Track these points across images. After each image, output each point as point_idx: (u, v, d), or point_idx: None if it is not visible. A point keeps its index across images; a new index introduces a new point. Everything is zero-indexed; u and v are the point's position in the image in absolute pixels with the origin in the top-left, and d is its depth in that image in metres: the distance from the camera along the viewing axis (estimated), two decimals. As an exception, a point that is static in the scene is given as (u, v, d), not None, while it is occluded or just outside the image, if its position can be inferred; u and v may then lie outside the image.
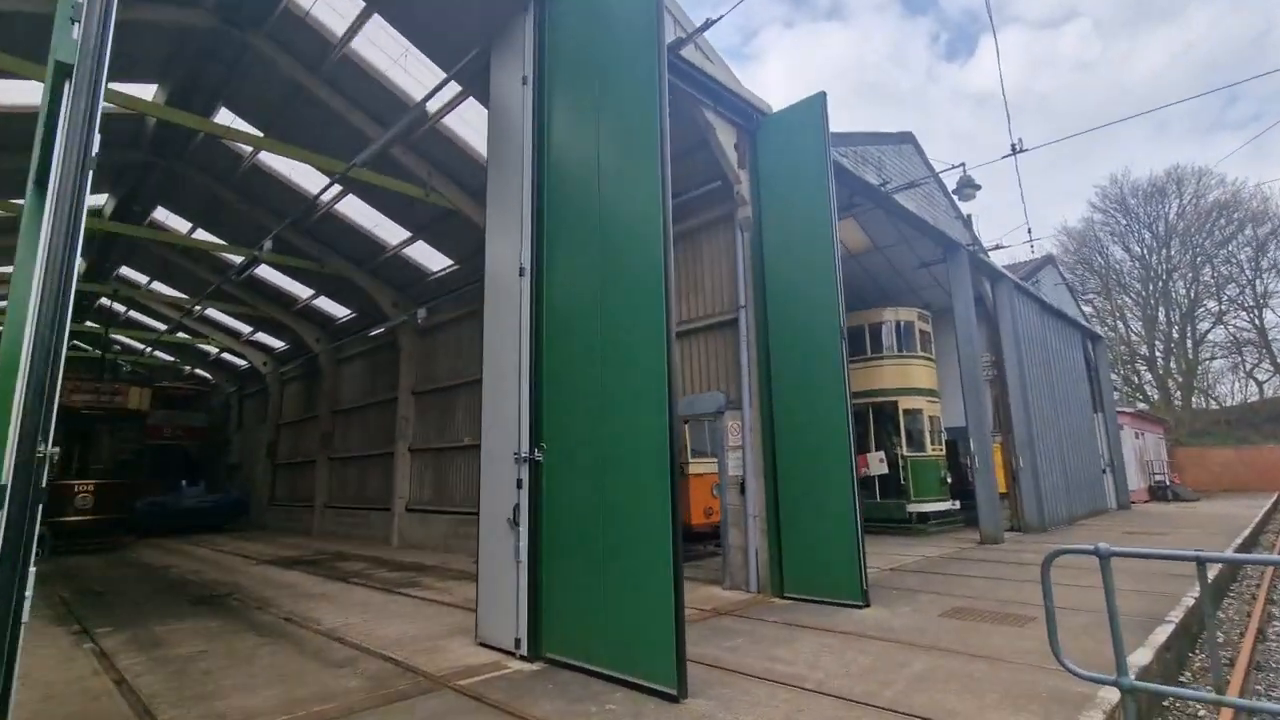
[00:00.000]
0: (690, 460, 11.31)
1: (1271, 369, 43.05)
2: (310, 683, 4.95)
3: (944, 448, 15.90)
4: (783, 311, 8.46)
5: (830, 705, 4.21)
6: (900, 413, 15.32)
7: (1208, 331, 44.39)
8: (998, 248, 15.62)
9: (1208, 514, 20.50)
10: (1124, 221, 47.00)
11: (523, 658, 5.34)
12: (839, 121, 10.12)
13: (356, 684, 4.90)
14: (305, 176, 13.65)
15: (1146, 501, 26.47)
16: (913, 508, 14.75)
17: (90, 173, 2.91)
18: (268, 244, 13.46)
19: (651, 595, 4.56)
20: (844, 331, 7.83)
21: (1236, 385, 44.76)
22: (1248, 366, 44.12)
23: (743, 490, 8.41)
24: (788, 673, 4.86)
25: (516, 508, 5.63)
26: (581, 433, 5.35)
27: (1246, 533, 14.61)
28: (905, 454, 15.09)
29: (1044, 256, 20.81)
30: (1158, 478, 29.38)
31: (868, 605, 7.10)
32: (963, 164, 12.73)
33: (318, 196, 13.34)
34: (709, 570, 9.90)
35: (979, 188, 12.47)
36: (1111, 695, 4.23)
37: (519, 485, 5.65)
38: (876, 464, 15.28)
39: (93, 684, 5.08)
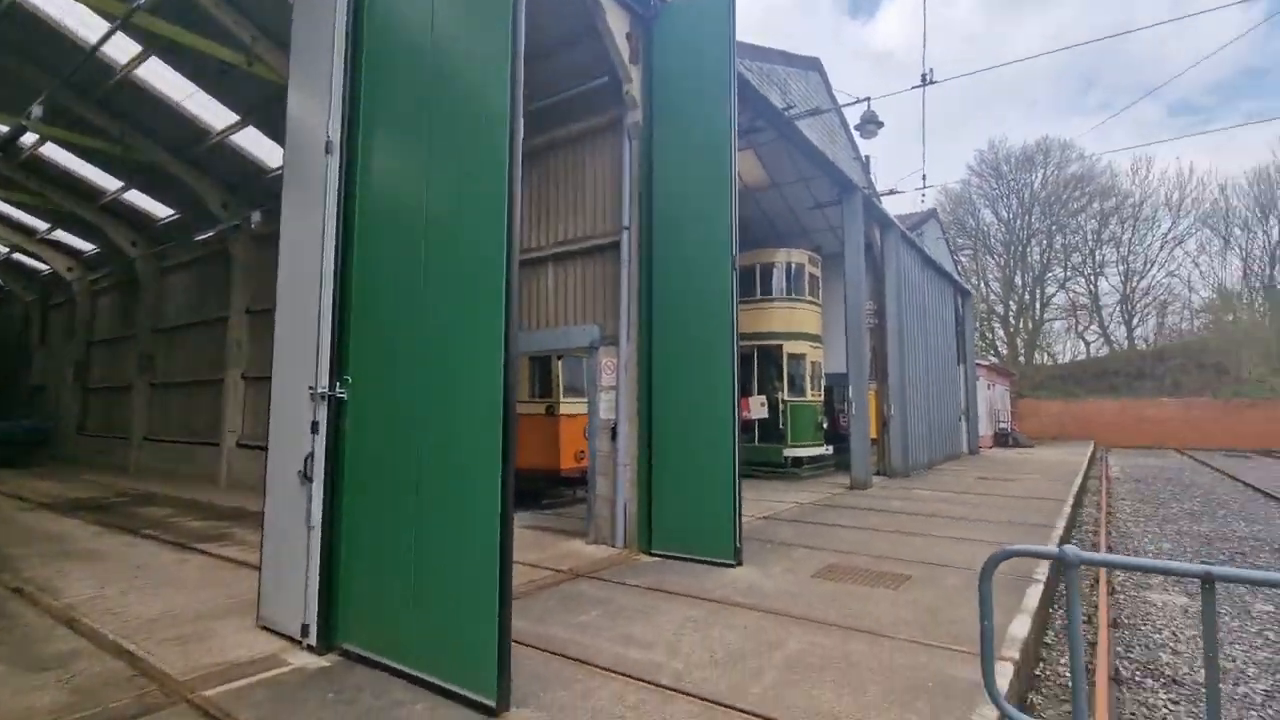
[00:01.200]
0: (564, 400, 10.27)
1: (1098, 331, 48.34)
2: (-17, 698, 3.52)
3: (823, 393, 15.93)
4: (671, 237, 7.41)
5: (687, 710, 3.40)
6: (785, 357, 15.05)
7: (1053, 295, 48.86)
8: (891, 193, 15.39)
9: (1043, 459, 22.50)
10: (996, 186, 50.05)
11: (310, 649, 4.15)
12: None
13: (51, 699, 3.52)
14: (86, 24, 10.67)
15: (991, 447, 28.86)
16: (789, 452, 14.70)
17: None
18: (37, 109, 10.52)
19: (472, 577, 3.49)
20: (736, 263, 6.93)
21: (1069, 345, 49.96)
22: (1080, 328, 49.26)
23: (614, 436, 7.49)
24: (643, 662, 4.03)
25: (310, 458, 4.31)
26: (397, 366, 4.08)
27: (1080, 478, 15.90)
28: (786, 399, 14.91)
29: (928, 210, 21.20)
30: (1002, 426, 32.15)
31: (740, 564, 6.50)
32: (868, 98, 12.08)
33: (97, 47, 10.46)
34: (573, 521, 9.05)
35: (882, 124, 11.90)
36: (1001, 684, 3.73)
37: (314, 429, 4.32)
38: (758, 408, 15.03)
39: None
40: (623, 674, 3.84)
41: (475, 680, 3.37)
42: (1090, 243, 47.26)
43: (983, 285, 49.04)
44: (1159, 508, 13.46)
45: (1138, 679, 4.88)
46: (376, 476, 4.09)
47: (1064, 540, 8.66)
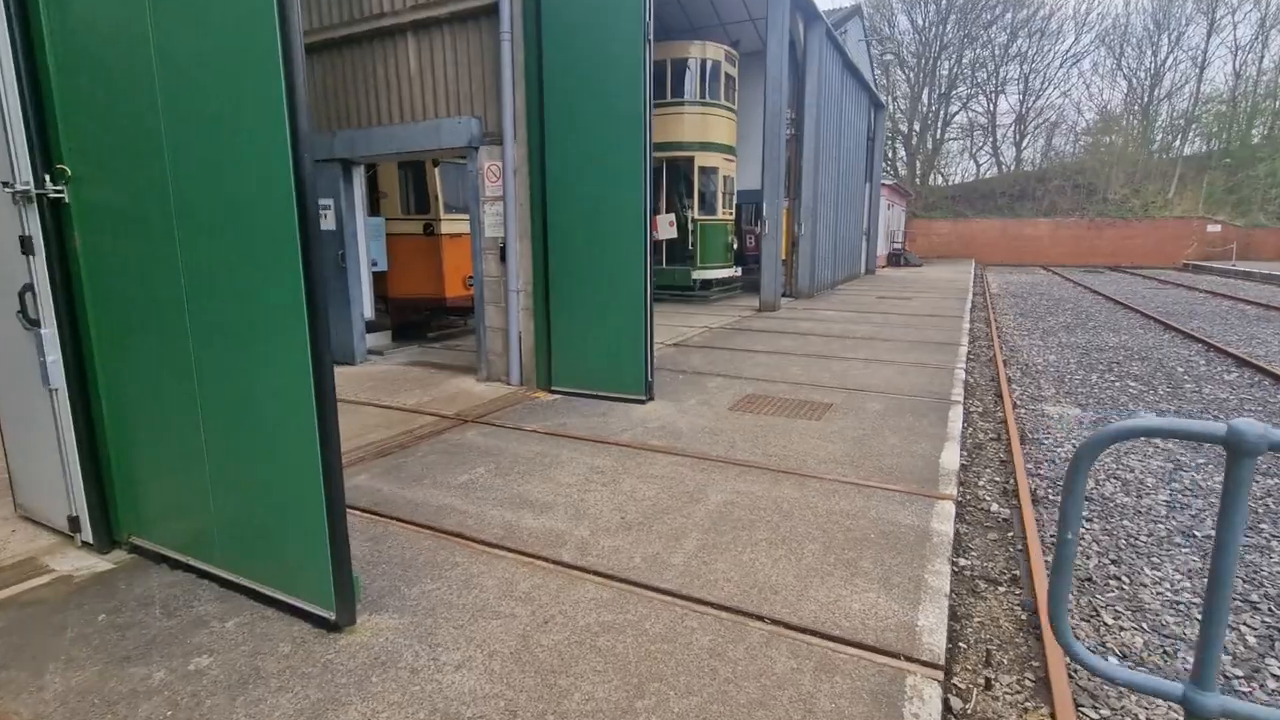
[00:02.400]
0: (444, 217, 8.72)
1: (990, 153, 49.46)
2: None
3: (734, 211, 15.01)
4: (564, 1, 5.67)
5: (594, 598, 2.72)
6: (696, 171, 13.76)
7: (955, 114, 48.74)
8: (821, -25, 13.39)
9: (933, 278, 23.40)
10: (914, -9, 46.99)
11: (86, 545, 3.09)
12: None
13: None
14: None
15: (884, 266, 29.81)
16: (699, 275, 14.02)
17: None
18: None
19: (283, 446, 2.45)
20: (650, 36, 5.41)
21: (963, 166, 51.12)
22: (974, 149, 50.16)
23: (503, 257, 6.28)
24: (540, 531, 3.30)
25: (29, 292, 2.91)
26: (140, 147, 2.60)
27: (970, 295, 16.49)
28: (697, 217, 13.89)
29: (853, 6, 19.21)
30: (896, 246, 33.11)
31: (651, 399, 5.84)
32: None
33: None
34: (465, 355, 8.05)
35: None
36: (945, 527, 3.31)
37: (26, 248, 2.86)
38: (666, 227, 13.97)
39: None
40: (514, 550, 3.09)
41: (305, 584, 2.48)
42: (997, 59, 46.52)
43: (891, 102, 47.93)
44: (1038, 321, 14.18)
45: (1052, 498, 4.82)
46: (136, 314, 2.79)
47: (970, 355, 8.72)
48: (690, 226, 13.88)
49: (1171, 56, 43.69)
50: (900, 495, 3.73)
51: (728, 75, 13.98)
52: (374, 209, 8.84)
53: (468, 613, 2.58)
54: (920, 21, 47.05)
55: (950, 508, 3.56)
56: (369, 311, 7.79)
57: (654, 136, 13.24)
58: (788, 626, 2.48)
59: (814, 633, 2.44)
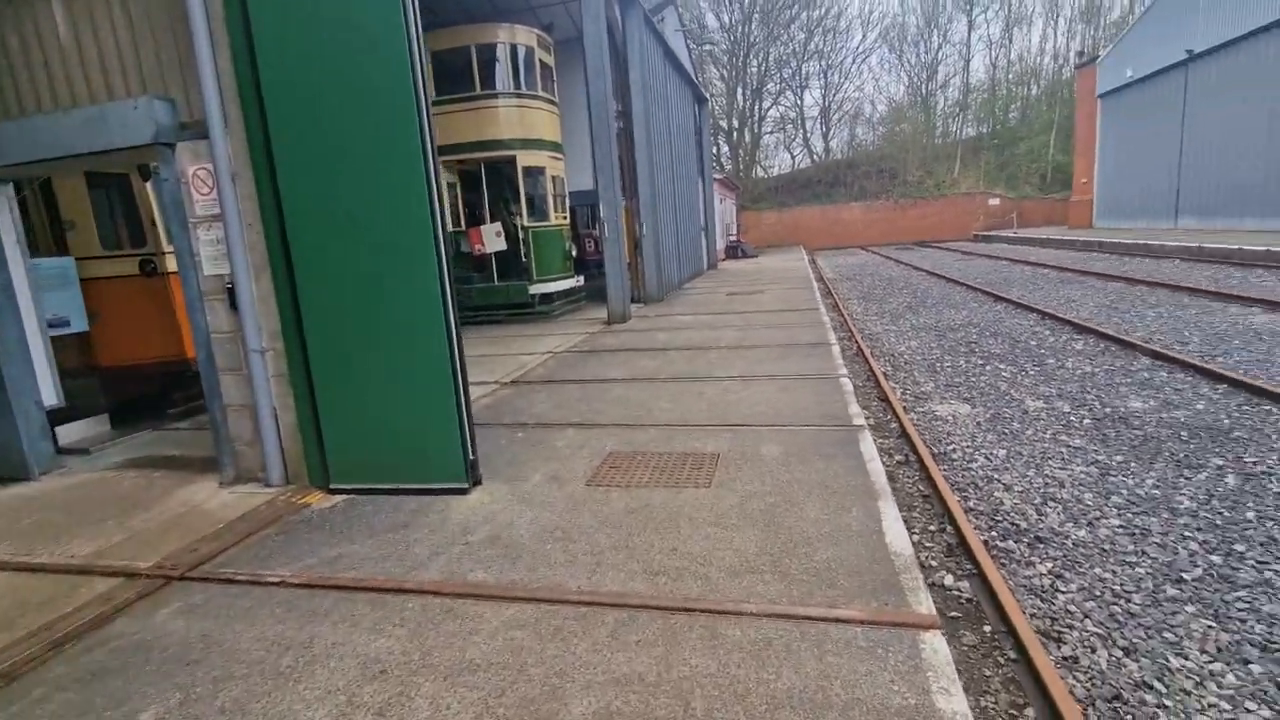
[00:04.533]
0: (170, 249, 6.33)
1: (802, 144, 52.60)
2: None
3: (569, 215, 13.54)
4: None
5: None
6: (520, 172, 12.09)
7: (768, 109, 51.17)
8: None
9: (773, 267, 23.62)
10: (719, -11, 48.52)
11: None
12: None
13: None
14: None
15: (725, 259, 30.02)
16: (537, 289, 12.38)
17: None
18: None
19: None
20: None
21: (780, 158, 53.87)
22: (788, 141, 53.08)
23: (234, 303, 4.26)
24: None
25: None
26: None
27: (815, 283, 16.40)
28: (527, 224, 12.23)
29: (667, -6, 18.51)
30: (732, 238, 33.62)
31: (477, 483, 4.16)
32: None
33: None
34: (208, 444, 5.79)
35: None
36: None
37: None
38: (493, 239, 12.19)
39: None
40: None
41: None
42: (799, 56, 49.43)
43: (711, 98, 49.16)
44: (881, 304, 14.23)
45: (1021, 553, 3.84)
46: None
47: (844, 354, 7.93)
48: (521, 236, 12.20)
49: (941, 51, 49.01)
50: (862, 632, 2.42)
51: (544, 64, 12.45)
52: (57, 245, 6.24)
53: None
54: (727, 20, 48.77)
55: (941, 646, 2.30)
56: (49, 394, 5.29)
57: (464, 133, 11.41)
58: None
59: None
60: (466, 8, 12.70)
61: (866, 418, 5.91)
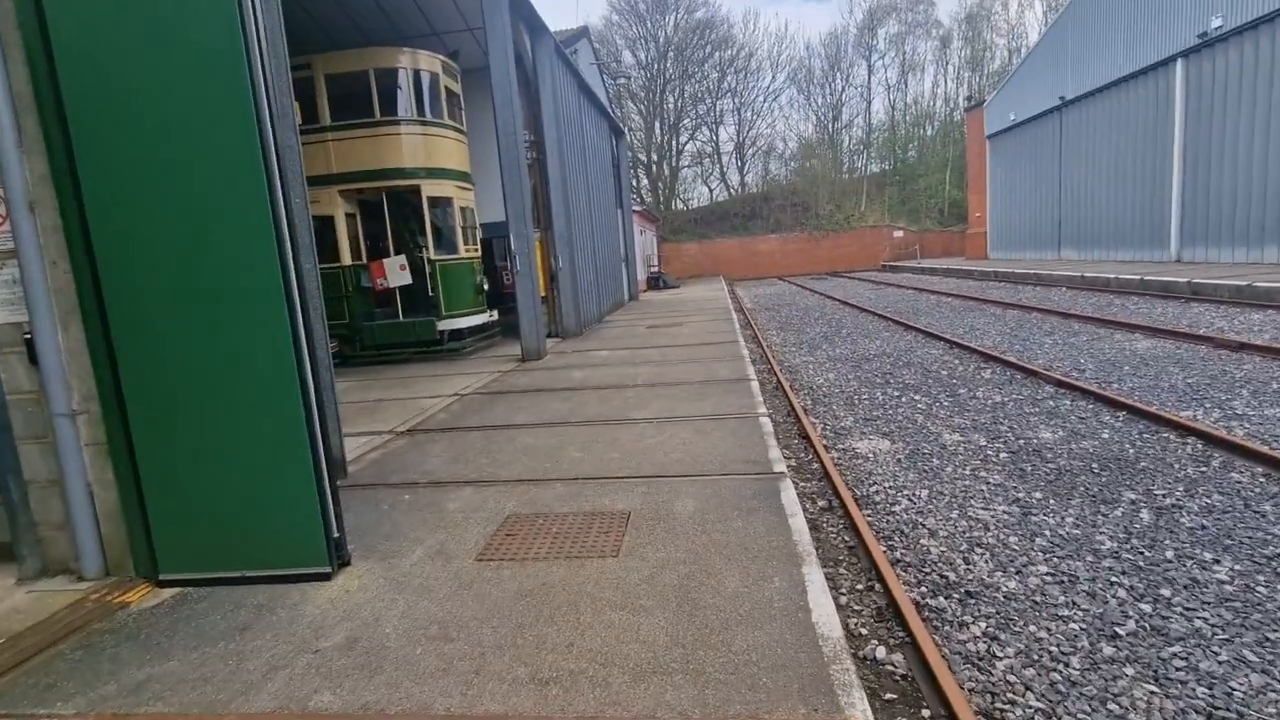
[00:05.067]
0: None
1: (719, 178, 54.09)
2: None
3: (479, 247, 12.95)
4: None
5: None
6: (425, 202, 11.44)
7: (685, 143, 52.39)
8: (539, -17, 12.07)
9: (694, 298, 23.71)
10: (636, 29, 49.69)
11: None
12: None
13: None
14: None
15: (646, 290, 30.01)
16: (446, 325, 11.66)
17: None
18: None
19: None
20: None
21: (698, 190, 55.13)
22: (705, 175, 54.45)
23: (33, 357, 3.48)
24: None
25: None
26: None
27: (734, 314, 16.42)
28: (434, 257, 11.55)
29: (580, 28, 18.51)
30: (653, 269, 33.76)
31: (345, 565, 3.52)
32: None
33: None
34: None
35: None
36: None
37: None
38: (397, 272, 11.43)
39: None
40: None
41: None
42: (713, 93, 51.09)
43: (629, 132, 49.87)
44: (799, 334, 14.35)
45: (915, 569, 3.56)
46: None
47: (764, 388, 7.68)
48: (427, 269, 11.50)
49: (845, 93, 51.91)
50: (788, 750, 2.00)
51: (449, 90, 11.95)
52: None
53: None
54: (644, 57, 49.88)
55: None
56: None
57: (364, 161, 10.70)
58: None
59: None
60: (365, 31, 12.08)
61: (788, 458, 5.65)
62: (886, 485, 5.16)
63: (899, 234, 41.83)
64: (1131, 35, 21.56)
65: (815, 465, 5.68)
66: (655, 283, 32.16)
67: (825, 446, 6.17)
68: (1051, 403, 7.02)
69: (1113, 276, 17.43)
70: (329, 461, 3.42)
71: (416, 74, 11.29)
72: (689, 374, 8.53)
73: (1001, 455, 5.57)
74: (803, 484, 5.21)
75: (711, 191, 54.10)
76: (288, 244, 3.18)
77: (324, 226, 11.32)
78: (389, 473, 5.17)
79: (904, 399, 7.74)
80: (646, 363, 9.73)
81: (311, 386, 3.29)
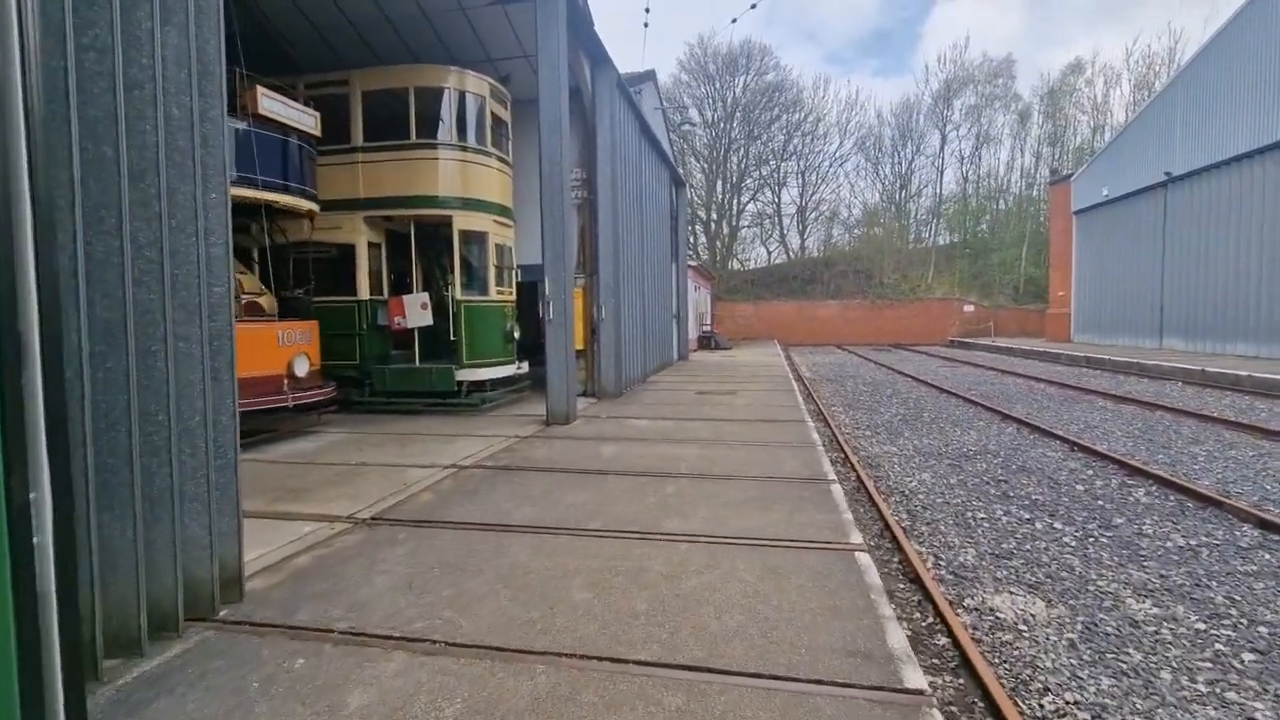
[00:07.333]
0: None
1: (778, 240, 52.78)
2: None
3: (515, 291, 11.57)
4: None
5: None
6: (456, 236, 10.19)
7: (746, 203, 51.52)
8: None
9: (748, 362, 21.89)
10: (704, 89, 49.80)
11: None
12: None
13: None
14: None
15: (697, 350, 28.36)
16: (466, 375, 10.20)
17: None
18: None
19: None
20: None
21: (755, 252, 53.87)
22: (765, 236, 53.24)
23: None
24: None
25: None
26: None
27: (795, 384, 14.53)
28: (460, 297, 10.20)
29: (647, 71, 17.61)
30: (705, 328, 32.19)
31: None
32: None
33: None
34: None
35: None
36: None
37: None
38: (418, 312, 10.11)
39: None
40: None
41: None
42: (778, 155, 50.35)
43: (689, 187, 49.42)
44: (870, 414, 12.34)
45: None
46: None
47: (851, 498, 5.76)
48: (452, 309, 10.14)
49: (915, 162, 50.36)
50: None
51: (497, 116, 10.84)
52: None
53: None
54: (710, 116, 49.72)
55: None
56: None
57: (389, 186, 9.43)
58: None
59: None
60: (413, 50, 11.21)
61: (909, 637, 3.70)
62: (1066, 696, 3.19)
63: (970, 308, 39.26)
64: (1258, 106, 19.40)
65: (942, 639, 3.76)
66: (707, 342, 30.54)
67: (950, 602, 4.22)
68: (1267, 555, 4.91)
69: (1244, 374, 14.84)
70: (81, 652, 1.77)
71: (462, 96, 10.23)
72: (748, 463, 6.70)
73: (1245, 656, 3.52)
74: (931, 676, 3.29)
75: (770, 253, 52.77)
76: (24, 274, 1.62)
77: (344, 256, 10.17)
78: (305, 599, 3.50)
79: (1039, 525, 5.72)
80: (694, 440, 7.95)
81: (46, 493, 1.67)
